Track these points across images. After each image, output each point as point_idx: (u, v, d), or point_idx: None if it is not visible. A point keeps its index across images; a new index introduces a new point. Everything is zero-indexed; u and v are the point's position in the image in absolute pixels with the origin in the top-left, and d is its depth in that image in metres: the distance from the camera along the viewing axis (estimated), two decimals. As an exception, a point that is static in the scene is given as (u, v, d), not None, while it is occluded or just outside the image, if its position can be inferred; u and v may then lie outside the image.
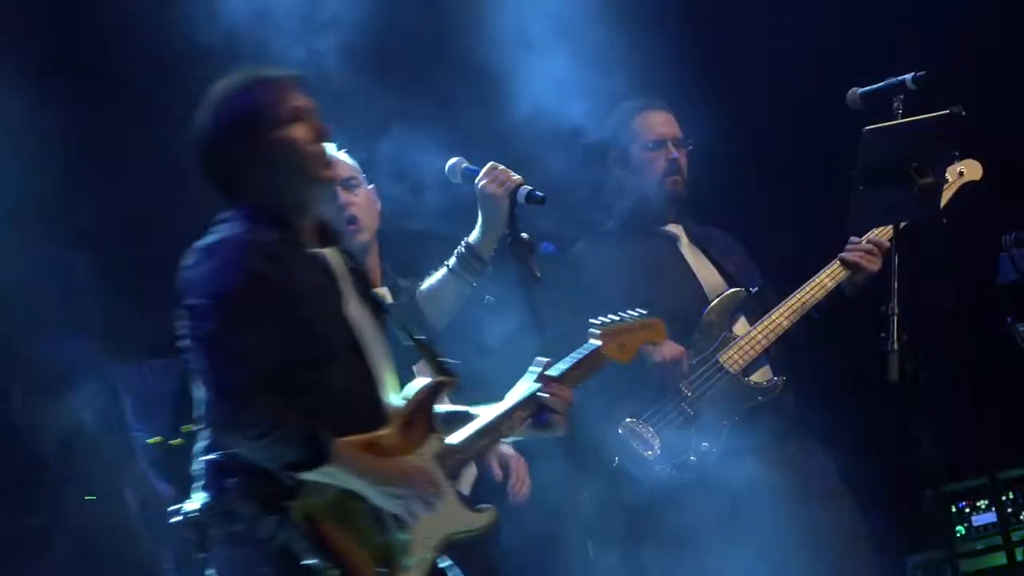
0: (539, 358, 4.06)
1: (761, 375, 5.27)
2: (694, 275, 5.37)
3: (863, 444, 6.03)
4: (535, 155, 5.36)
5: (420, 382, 3.91)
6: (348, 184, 4.74)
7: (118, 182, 6.26)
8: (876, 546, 5.32)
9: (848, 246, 5.28)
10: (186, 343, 3.71)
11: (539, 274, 4.30)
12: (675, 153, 5.40)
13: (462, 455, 3.91)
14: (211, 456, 3.69)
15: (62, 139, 6.00)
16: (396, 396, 3.86)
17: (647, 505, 5.08)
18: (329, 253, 3.89)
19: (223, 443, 3.66)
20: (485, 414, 3.98)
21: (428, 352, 4.02)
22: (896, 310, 4.52)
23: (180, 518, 3.71)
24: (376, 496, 3.67)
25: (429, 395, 3.88)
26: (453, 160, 4.64)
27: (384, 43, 5.51)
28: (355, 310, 3.85)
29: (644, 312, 4.33)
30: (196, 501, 3.71)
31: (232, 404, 3.58)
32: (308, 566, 3.59)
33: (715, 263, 5.42)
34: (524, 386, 4.02)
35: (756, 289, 5.36)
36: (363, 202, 4.78)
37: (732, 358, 5.21)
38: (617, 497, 5.09)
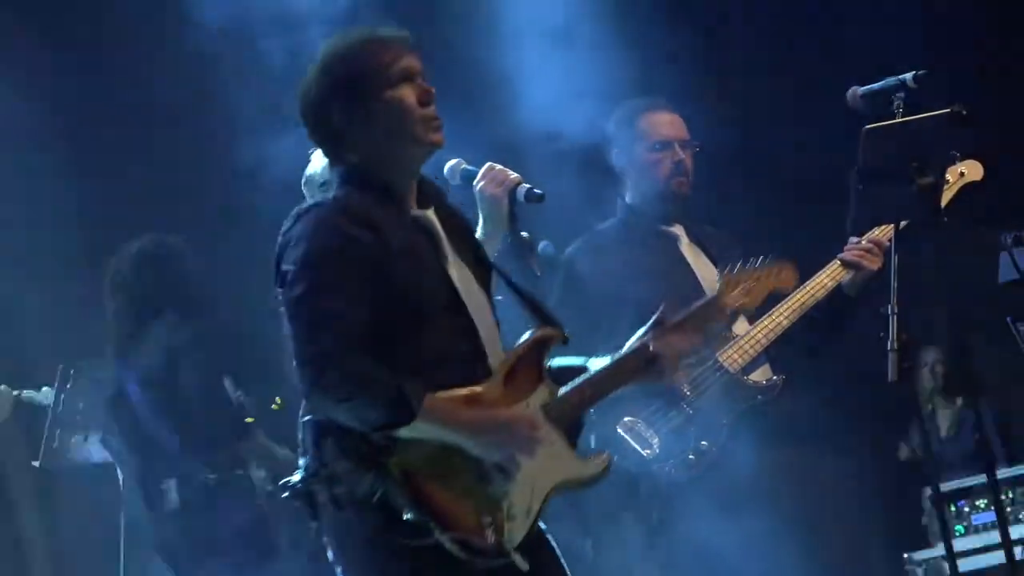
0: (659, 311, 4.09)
1: (761, 374, 5.26)
2: (694, 274, 5.35)
3: (863, 443, 6.04)
4: (535, 155, 5.37)
5: (530, 334, 3.91)
6: None
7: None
8: (875, 545, 5.33)
9: (848, 246, 5.28)
10: (280, 310, 3.74)
11: (539, 273, 4.31)
12: (681, 155, 5.39)
13: (570, 404, 3.90)
14: (308, 418, 3.71)
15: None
16: (502, 351, 3.86)
17: (646, 504, 5.07)
18: (430, 213, 3.88)
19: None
20: (597, 364, 4.00)
21: (533, 305, 4.01)
22: (896, 310, 4.52)
23: (288, 492, 3.73)
24: (472, 447, 3.68)
25: (533, 346, 3.89)
26: (452, 162, 4.63)
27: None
28: (457, 268, 3.85)
29: (774, 258, 4.35)
30: (300, 470, 3.73)
31: (314, 370, 3.60)
32: (408, 521, 3.60)
33: (715, 262, 5.41)
34: (637, 337, 4.05)
35: (756, 289, 5.35)
36: None
37: (731, 357, 5.21)
38: (616, 496, 5.08)
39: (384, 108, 3.81)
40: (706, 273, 5.38)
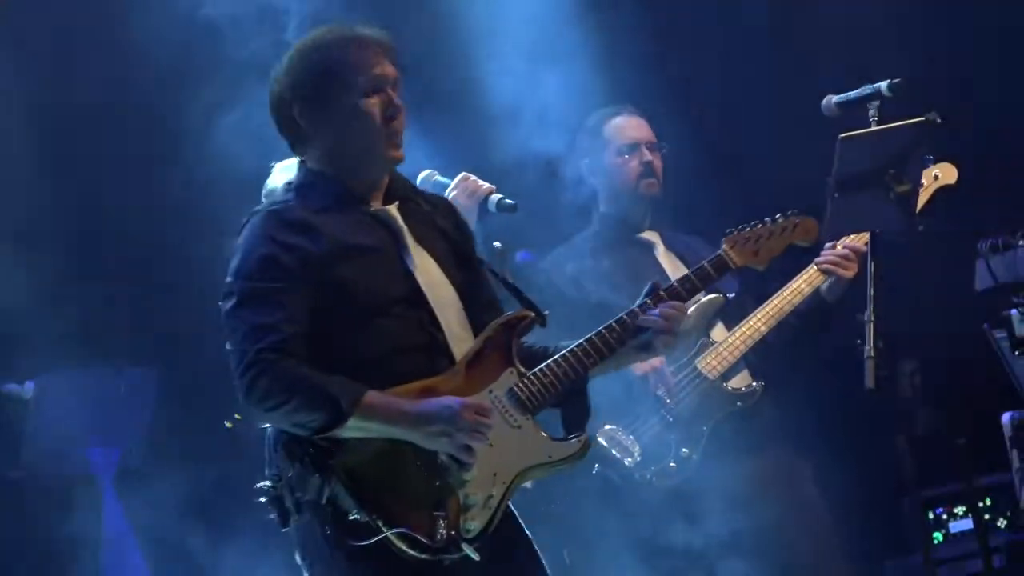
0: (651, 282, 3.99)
1: (739, 380, 5.26)
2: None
3: (841, 450, 6.03)
4: (511, 164, 5.37)
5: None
6: None
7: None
8: (853, 553, 5.33)
9: (823, 251, 5.27)
10: None
11: (512, 282, 4.29)
12: (649, 156, 5.40)
13: (543, 383, 3.80)
14: (266, 426, 3.72)
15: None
16: (469, 340, 3.80)
17: (627, 511, 5.07)
18: (392, 208, 3.83)
19: None
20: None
21: (513, 289, 3.96)
22: (873, 317, 4.51)
23: (263, 499, 3.72)
24: (417, 438, 3.63)
25: (500, 331, 3.83)
26: (424, 172, 4.63)
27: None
28: (420, 260, 3.80)
29: (792, 212, 4.29)
30: (267, 479, 3.73)
31: (245, 381, 3.60)
32: (355, 521, 3.58)
33: (691, 269, 5.41)
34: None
35: (734, 295, 5.35)
36: None
37: (710, 364, 5.21)
38: (596, 504, 5.07)
39: (347, 115, 3.75)
40: (683, 280, 5.37)
